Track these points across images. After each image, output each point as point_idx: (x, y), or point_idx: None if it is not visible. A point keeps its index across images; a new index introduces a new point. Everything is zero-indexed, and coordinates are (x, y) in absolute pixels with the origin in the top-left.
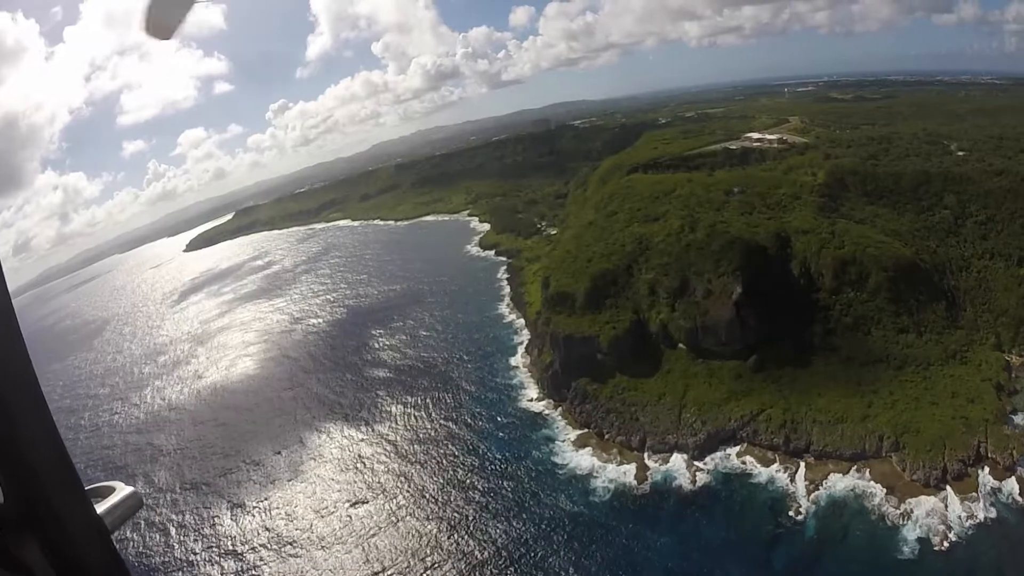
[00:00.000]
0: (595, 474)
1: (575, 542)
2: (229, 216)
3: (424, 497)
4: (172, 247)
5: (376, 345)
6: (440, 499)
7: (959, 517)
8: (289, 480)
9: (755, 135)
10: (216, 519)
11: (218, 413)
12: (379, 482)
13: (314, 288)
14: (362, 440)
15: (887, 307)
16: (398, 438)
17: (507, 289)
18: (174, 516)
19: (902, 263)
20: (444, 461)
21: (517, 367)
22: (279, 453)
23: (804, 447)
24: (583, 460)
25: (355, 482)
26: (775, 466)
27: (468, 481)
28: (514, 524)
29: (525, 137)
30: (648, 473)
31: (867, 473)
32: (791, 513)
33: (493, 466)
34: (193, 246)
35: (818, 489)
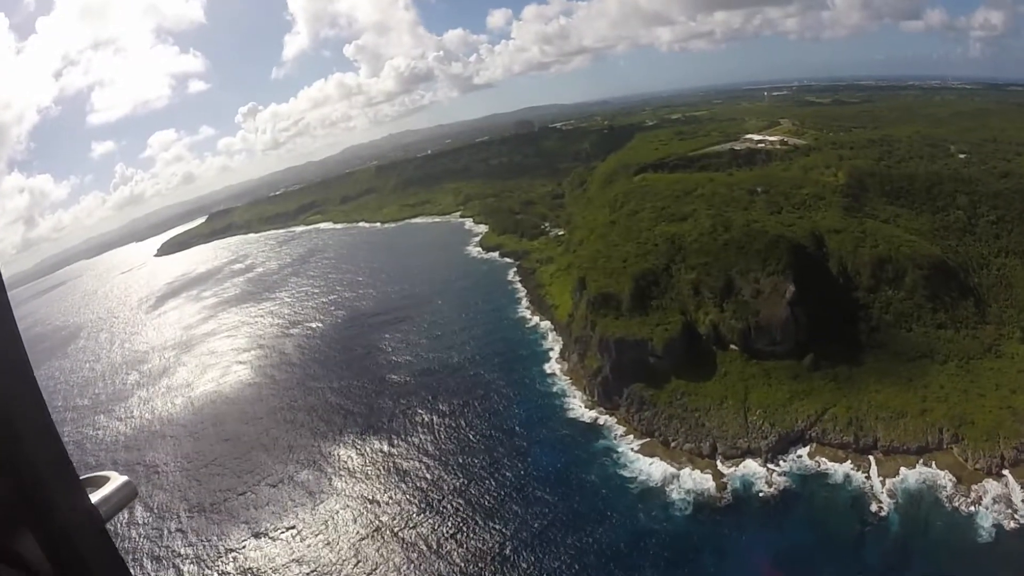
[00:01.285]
0: (670, 485)
1: (663, 558)
2: (201, 220)
3: (483, 514)
4: (142, 252)
5: (389, 348)
6: (502, 515)
7: (1022, 501)
8: (319, 501)
9: (756, 136)
10: (236, 551)
11: (219, 426)
12: (427, 500)
13: (307, 291)
14: (395, 453)
15: (925, 304)
16: (437, 451)
17: (522, 291)
18: (183, 549)
19: (934, 261)
20: (498, 474)
21: (554, 373)
22: (299, 469)
23: (872, 443)
24: (654, 470)
25: (400, 501)
26: (847, 464)
27: (531, 495)
28: (593, 541)
29: (509, 138)
30: (725, 480)
31: (933, 465)
32: (873, 509)
33: (555, 478)
34: (165, 250)
35: (892, 484)
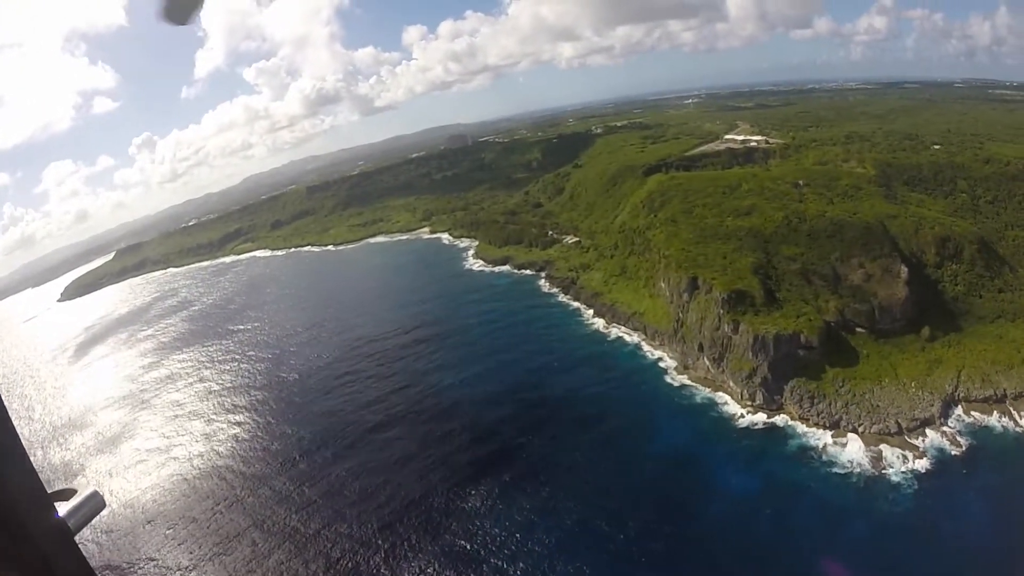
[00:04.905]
0: (885, 469)
1: (951, 533)
2: (106, 258)
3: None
4: (41, 298)
5: (449, 391)
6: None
7: None
8: None
9: (739, 137)
10: None
11: (219, 519)
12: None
13: (277, 325)
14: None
15: (984, 273)
16: (619, 506)
17: (573, 303)
18: None
19: (978, 237)
20: (738, 526)
21: (688, 384)
22: None
23: (1004, 394)
24: (863, 459)
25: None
26: (994, 415)
27: (784, 524)
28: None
29: (447, 153)
30: (923, 451)
31: None
32: None
33: (774, 496)
34: (70, 294)
35: None
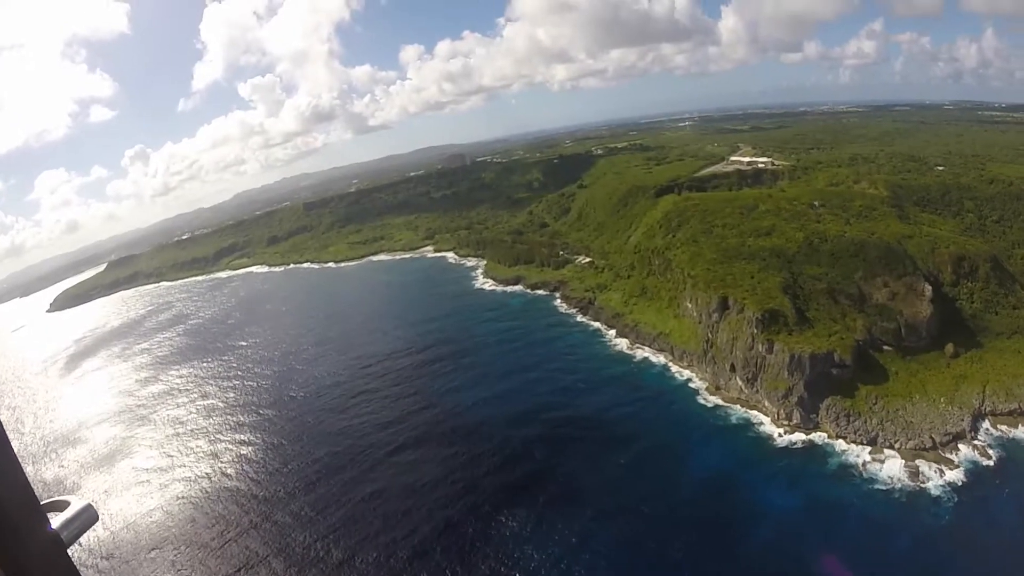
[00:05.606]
0: (924, 483)
1: (994, 544)
2: (98, 269)
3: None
4: (30, 308)
5: (472, 411)
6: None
7: None
8: None
9: (745, 159)
10: None
11: (233, 546)
12: None
13: (280, 342)
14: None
15: (999, 290)
16: (664, 528)
17: (592, 323)
18: None
19: (991, 255)
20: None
21: (721, 404)
22: None
23: None
24: (902, 475)
25: None
26: (1021, 428)
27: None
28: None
29: (446, 172)
30: (958, 464)
31: None
32: None
33: (820, 515)
34: (60, 305)
35: None
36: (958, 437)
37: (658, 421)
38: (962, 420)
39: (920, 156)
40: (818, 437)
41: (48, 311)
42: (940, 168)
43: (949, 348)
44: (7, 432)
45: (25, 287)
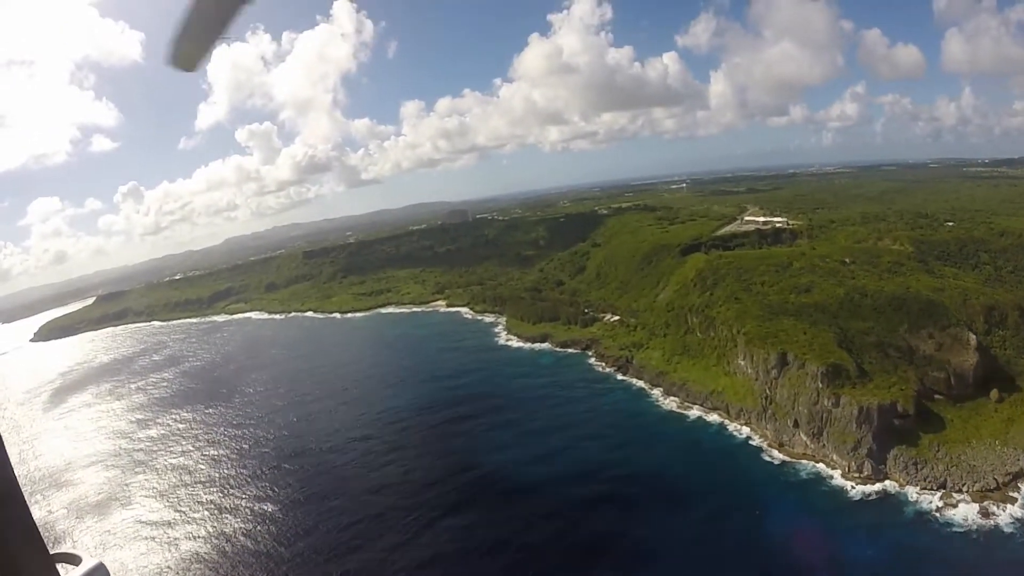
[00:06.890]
0: (996, 522)
1: None
2: (86, 302)
3: None
4: (12, 335)
5: (522, 470)
6: None
7: None
8: None
9: (759, 218)
10: None
11: None
12: None
13: (290, 390)
14: None
15: None
16: None
17: (634, 382)
18: None
19: (1020, 304)
20: None
21: (788, 461)
22: None
23: None
24: (975, 516)
25: None
26: None
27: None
28: None
29: (449, 227)
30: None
31: None
32: None
33: (906, 564)
34: (44, 335)
35: None
36: (1017, 476)
37: (726, 479)
38: (1018, 460)
39: (928, 213)
40: (890, 486)
41: (32, 340)
42: (950, 224)
43: (994, 393)
44: (20, 481)
45: (8, 313)
